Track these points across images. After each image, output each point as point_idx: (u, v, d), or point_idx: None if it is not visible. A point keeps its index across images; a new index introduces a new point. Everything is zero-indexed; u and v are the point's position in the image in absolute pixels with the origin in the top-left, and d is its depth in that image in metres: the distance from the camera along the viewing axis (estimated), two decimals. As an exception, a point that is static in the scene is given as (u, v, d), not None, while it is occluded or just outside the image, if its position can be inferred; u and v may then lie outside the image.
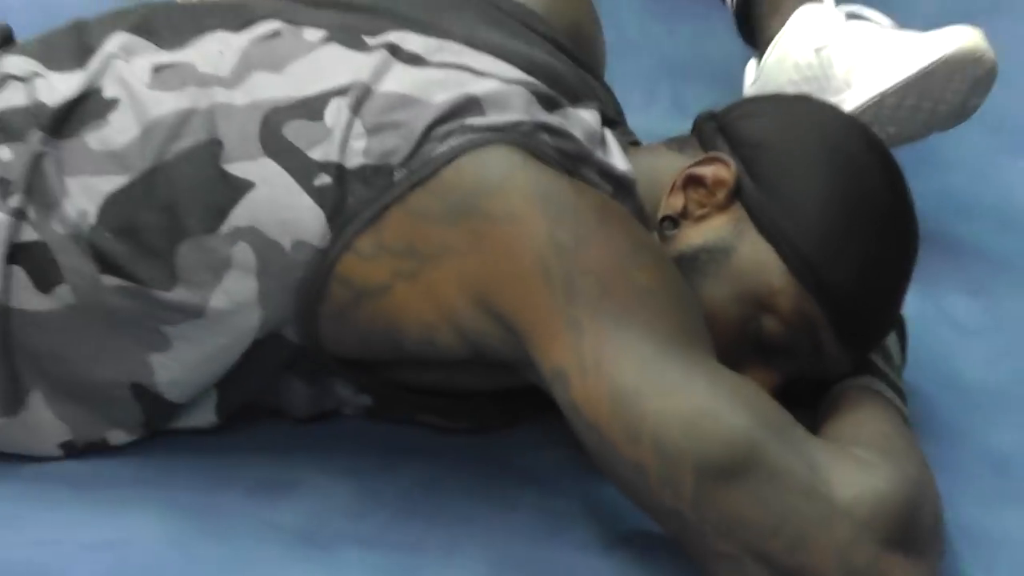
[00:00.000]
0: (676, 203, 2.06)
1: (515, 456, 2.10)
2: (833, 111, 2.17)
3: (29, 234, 1.99)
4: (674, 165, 2.10)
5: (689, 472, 1.80)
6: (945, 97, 2.44)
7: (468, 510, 2.04)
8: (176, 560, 1.93)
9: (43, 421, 2.04)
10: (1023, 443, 2.18)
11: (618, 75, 2.24)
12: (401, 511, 2.04)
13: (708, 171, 2.05)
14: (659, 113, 2.25)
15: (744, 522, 1.80)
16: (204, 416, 2.08)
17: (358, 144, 1.96)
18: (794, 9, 2.59)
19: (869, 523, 1.79)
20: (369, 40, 2.07)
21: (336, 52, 2.06)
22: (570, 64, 2.19)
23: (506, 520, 2.03)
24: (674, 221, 2.05)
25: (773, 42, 2.59)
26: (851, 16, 2.54)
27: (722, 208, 2.05)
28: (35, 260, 1.99)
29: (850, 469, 1.83)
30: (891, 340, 2.13)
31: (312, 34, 2.09)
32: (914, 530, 1.83)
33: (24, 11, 2.74)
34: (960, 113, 2.48)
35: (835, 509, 1.79)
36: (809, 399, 2.02)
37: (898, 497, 1.82)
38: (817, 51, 2.50)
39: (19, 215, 1.98)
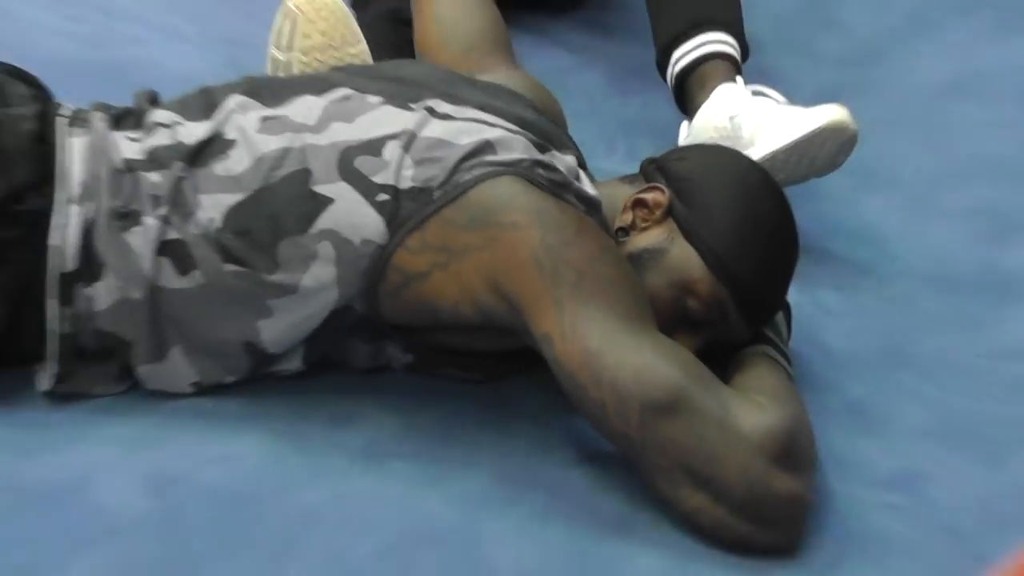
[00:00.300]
0: (627, 219, 2.16)
1: (513, 399, 2.18)
2: (740, 156, 2.29)
3: (172, 234, 2.04)
4: (626, 193, 2.19)
5: (636, 408, 1.89)
6: (820, 155, 2.50)
7: (480, 437, 2.12)
8: (272, 470, 2.00)
9: (180, 367, 2.10)
10: (872, 392, 2.25)
11: (587, 133, 2.31)
12: (432, 437, 2.11)
13: (650, 196, 2.15)
14: (617, 160, 2.33)
15: (674, 444, 1.88)
16: (294, 364, 2.14)
17: (408, 172, 2.03)
18: (716, 87, 2.62)
19: (761, 446, 1.87)
20: (412, 104, 2.14)
21: (390, 110, 2.12)
22: (550, 123, 2.26)
23: (507, 444, 2.11)
24: (626, 231, 2.15)
25: (700, 110, 2.62)
26: (756, 93, 2.57)
27: (659, 222, 2.14)
28: (176, 252, 2.04)
29: (749, 409, 1.91)
30: (780, 319, 2.22)
31: (373, 98, 2.16)
32: (794, 452, 1.91)
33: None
34: (831, 165, 2.54)
35: (738, 436, 1.87)
36: (722, 359, 2.07)
37: (782, 428, 1.91)
38: (731, 118, 2.53)
39: (166, 221, 2.04)
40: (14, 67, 2.20)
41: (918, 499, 2.02)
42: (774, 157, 2.42)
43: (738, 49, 2.71)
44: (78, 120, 2.12)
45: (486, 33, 2.48)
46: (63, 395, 2.08)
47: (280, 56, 2.64)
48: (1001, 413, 2.21)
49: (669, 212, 2.13)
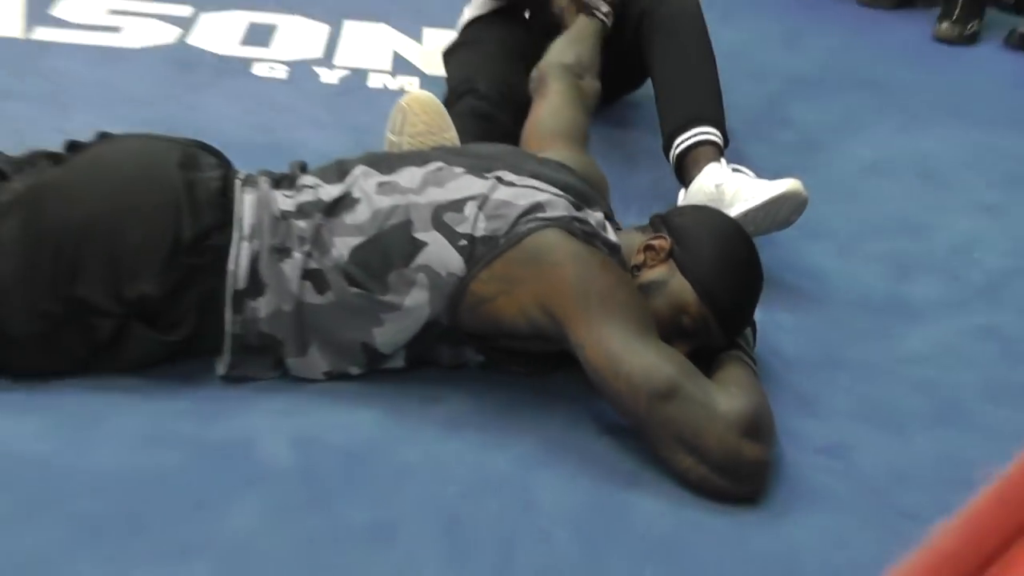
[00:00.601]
0: (640, 259, 2.19)
1: (554, 387, 2.20)
2: (722, 214, 2.35)
3: (313, 265, 2.11)
4: (639, 239, 2.22)
5: (643, 395, 1.95)
6: (780, 214, 2.53)
7: (530, 414, 2.16)
8: (381, 435, 2.07)
9: (316, 361, 2.16)
10: (813, 385, 2.29)
11: (614, 196, 2.33)
12: (496, 414, 2.15)
13: (656, 242, 2.19)
14: (632, 216, 2.37)
15: (671, 421, 1.95)
16: (398, 362, 2.19)
17: (481, 225, 2.09)
18: (706, 164, 2.66)
19: (735, 423, 1.94)
20: (486, 174, 2.19)
21: (470, 179, 2.17)
22: (587, 187, 2.29)
23: (549, 420, 2.15)
24: (638, 268, 2.18)
25: (694, 181, 2.66)
26: (735, 169, 2.61)
27: (663, 262, 2.17)
28: (316, 278, 2.11)
29: (725, 396, 1.98)
30: (748, 332, 2.24)
31: (458, 170, 2.20)
32: (758, 428, 1.97)
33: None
34: (787, 223, 2.56)
35: (717, 415, 1.94)
36: (706, 360, 2.09)
37: (750, 410, 1.97)
38: (716, 186, 2.57)
39: (308, 255, 2.11)
40: (206, 144, 2.28)
41: (846, 463, 2.07)
42: (746, 215, 2.45)
43: (721, 138, 2.74)
44: (249, 182, 2.20)
45: (565, 129, 2.52)
46: (234, 378, 2.16)
47: (393, 139, 2.70)
48: (907, 401, 2.28)
49: (670, 254, 2.15)
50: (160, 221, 2.06)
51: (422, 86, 3.30)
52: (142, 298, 2.05)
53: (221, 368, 2.16)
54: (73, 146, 2.27)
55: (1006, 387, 2.30)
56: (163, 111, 3.10)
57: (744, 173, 2.66)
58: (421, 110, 2.72)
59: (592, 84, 2.74)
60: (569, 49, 2.80)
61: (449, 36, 3.26)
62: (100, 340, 2.07)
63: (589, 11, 2.88)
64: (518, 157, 2.28)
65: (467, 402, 2.16)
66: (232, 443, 2.01)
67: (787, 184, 2.55)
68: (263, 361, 2.18)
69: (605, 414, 2.09)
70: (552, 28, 2.98)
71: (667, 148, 2.81)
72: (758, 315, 2.24)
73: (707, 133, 2.76)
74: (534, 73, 2.78)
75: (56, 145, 2.29)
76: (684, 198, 2.72)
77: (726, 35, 2.97)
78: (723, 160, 2.72)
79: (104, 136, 2.29)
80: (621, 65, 3.05)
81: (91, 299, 2.03)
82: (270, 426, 2.04)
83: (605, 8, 2.91)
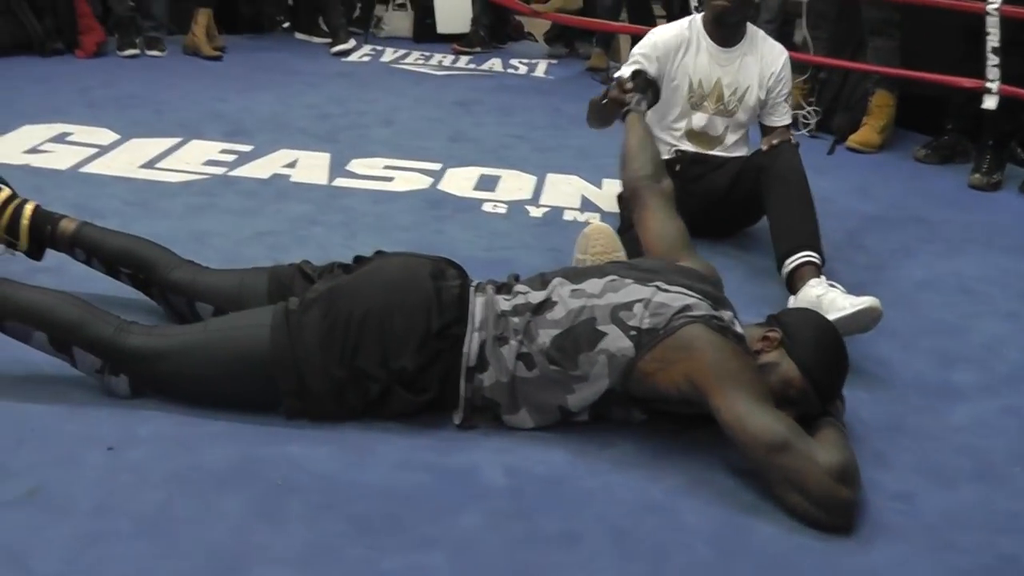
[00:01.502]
0: (759, 346, 2.11)
1: (697, 438, 2.11)
2: (819, 315, 2.30)
3: (524, 350, 2.11)
4: (759, 333, 2.14)
5: (763, 446, 1.91)
6: (863, 323, 2.48)
7: (676, 457, 2.08)
8: (568, 468, 2.03)
9: (525, 418, 2.13)
10: (888, 448, 2.19)
11: (739, 302, 2.28)
12: (654, 454, 2.09)
13: (770, 334, 2.13)
14: (751, 315, 2.26)
15: (783, 468, 1.90)
16: (583, 417, 2.13)
17: (646, 320, 2.07)
18: (809, 279, 2.64)
19: (831, 471, 1.87)
20: (649, 283, 2.14)
21: (638, 287, 2.14)
22: (717, 291, 2.22)
23: (690, 457, 2.08)
24: (758, 353, 2.09)
25: (800, 291, 2.64)
26: (832, 285, 2.59)
27: (776, 348, 2.09)
28: (526, 359, 2.10)
29: (824, 450, 1.91)
30: (839, 403, 2.14)
31: (628, 280, 2.16)
32: (850, 476, 1.91)
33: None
34: (867, 329, 2.50)
35: (818, 465, 1.88)
36: (808, 423, 2.00)
37: (843, 462, 1.91)
38: (818, 296, 2.56)
39: (521, 343, 2.11)
40: (450, 260, 2.32)
41: (910, 507, 2.00)
42: (839, 321, 2.37)
43: (820, 260, 2.72)
44: (479, 288, 2.23)
45: (678, 238, 2.43)
46: (465, 427, 2.15)
47: (579, 256, 2.76)
48: (954, 461, 2.19)
49: (781, 343, 2.08)
50: (417, 316, 2.11)
51: (602, 219, 3.28)
52: (402, 370, 2.10)
53: (456, 420, 2.14)
54: (358, 259, 2.35)
55: None
56: (420, 236, 3.17)
57: (838, 288, 2.62)
58: (599, 236, 2.77)
59: (669, 184, 2.54)
60: (641, 158, 2.57)
61: (618, 185, 3.21)
62: (371, 398, 2.12)
63: (626, 109, 2.71)
64: (669, 271, 2.22)
65: (632, 447, 2.11)
66: (462, 470, 2.00)
67: (870, 301, 2.50)
68: (484, 416, 2.18)
69: (734, 458, 2.02)
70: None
71: (780, 266, 2.78)
72: (845, 391, 2.17)
73: (810, 256, 2.72)
74: (624, 182, 2.66)
75: (347, 258, 2.38)
76: (792, 303, 2.66)
77: (819, 185, 2.95)
78: (822, 276, 2.69)
79: (379, 253, 2.37)
80: (744, 206, 3.06)
81: (366, 369, 2.09)
82: (490, 459, 2.04)
83: (628, 96, 2.72)
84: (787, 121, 3.16)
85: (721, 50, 3.07)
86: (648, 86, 2.78)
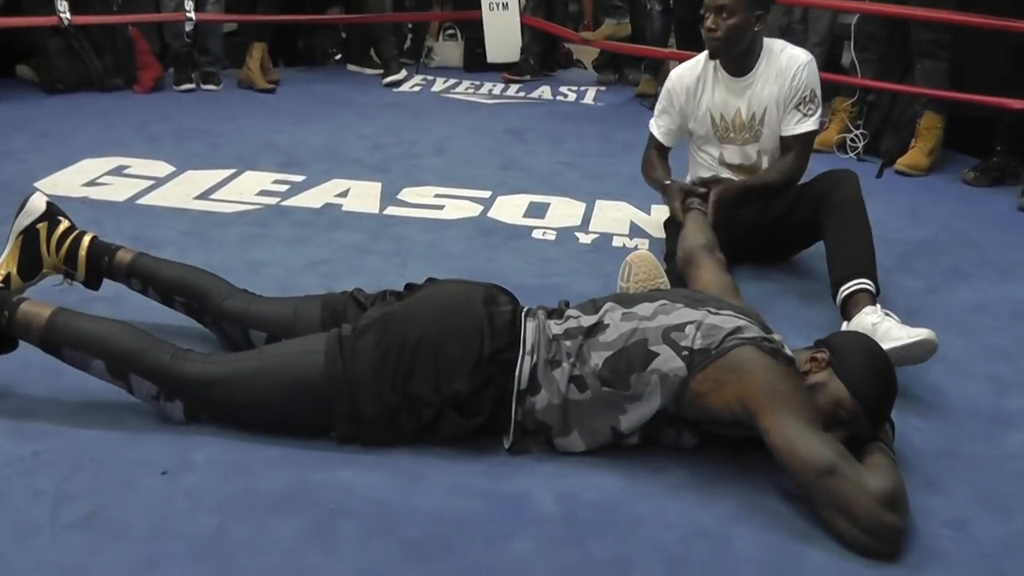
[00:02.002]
0: (808, 367, 2.08)
1: (748, 463, 2.10)
2: (867, 337, 2.26)
3: (576, 372, 2.11)
4: (807, 355, 2.11)
5: (811, 471, 1.89)
6: (917, 355, 2.46)
7: (728, 482, 2.07)
8: (619, 493, 2.02)
9: (576, 440, 2.13)
10: (940, 475, 2.17)
11: (788, 329, 2.26)
12: (705, 478, 2.08)
13: (819, 355, 2.11)
14: (801, 341, 2.24)
15: (830, 492, 1.87)
16: (634, 440, 2.12)
17: (698, 341, 2.07)
18: (863, 307, 2.61)
19: (879, 497, 1.86)
20: (699, 308, 2.15)
21: (689, 310, 2.14)
22: (763, 322, 2.23)
23: (743, 487, 2.06)
24: (807, 374, 2.07)
25: (854, 318, 2.61)
26: (886, 315, 2.56)
27: (824, 369, 2.06)
28: (578, 381, 2.10)
29: (872, 475, 1.90)
30: (888, 429, 2.10)
31: (678, 304, 2.17)
32: (896, 501, 1.89)
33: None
34: (921, 360, 2.48)
35: (866, 490, 1.86)
36: (858, 448, 1.98)
37: (890, 488, 1.89)
38: (873, 324, 2.53)
39: (573, 366, 2.10)
40: (501, 286, 2.32)
41: (964, 534, 1.96)
42: (893, 351, 2.35)
43: (874, 288, 2.69)
44: (530, 314, 2.24)
45: (726, 287, 2.43)
46: (516, 451, 2.16)
47: (623, 285, 2.76)
48: (1009, 488, 2.15)
49: (828, 363, 2.06)
50: (469, 341, 2.11)
51: (651, 245, 3.29)
52: (455, 394, 2.10)
53: (507, 443, 2.16)
54: (409, 287, 2.37)
55: None
56: (471, 263, 3.18)
57: (893, 318, 2.59)
58: (643, 264, 2.76)
59: (721, 256, 2.65)
60: (700, 235, 2.73)
61: (666, 210, 3.24)
62: (424, 422, 2.12)
63: (691, 208, 2.91)
64: (718, 300, 2.24)
65: (684, 472, 2.10)
66: (514, 496, 2.00)
67: (926, 333, 2.47)
68: (537, 439, 2.17)
69: (786, 484, 2.02)
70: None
71: (834, 293, 2.75)
72: (895, 417, 2.14)
73: (865, 284, 2.70)
74: (680, 254, 2.73)
75: (398, 286, 2.40)
76: (845, 328, 2.63)
77: (868, 208, 2.90)
78: (877, 304, 2.66)
79: (431, 280, 2.38)
80: (800, 232, 3.03)
81: (419, 393, 2.10)
82: (541, 485, 2.04)
83: (698, 204, 2.92)
84: (800, 130, 3.01)
85: (736, 80, 3.02)
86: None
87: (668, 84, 3.15)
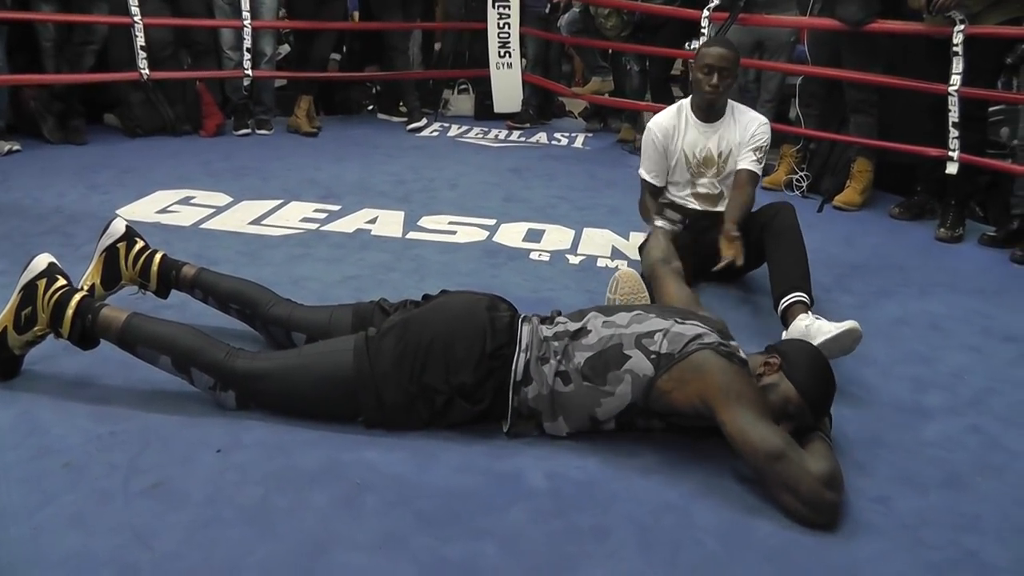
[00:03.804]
0: (761, 370, 2.07)
1: (708, 447, 2.07)
2: (812, 345, 2.21)
3: (562, 368, 2.09)
4: (761, 359, 2.10)
5: (761, 456, 1.87)
6: (845, 344, 2.46)
7: (691, 464, 2.05)
8: (599, 473, 2.00)
9: (561, 425, 2.11)
10: (868, 459, 2.15)
11: (742, 336, 2.23)
12: (670, 458, 2.06)
13: (772, 360, 2.09)
14: (755, 346, 2.20)
15: (778, 473, 1.86)
16: (610, 426, 2.11)
17: (665, 346, 2.05)
18: (799, 314, 2.60)
19: (820, 477, 1.85)
20: (668, 318, 2.11)
21: (659, 320, 2.11)
22: (724, 328, 2.21)
23: (699, 462, 2.05)
24: (760, 376, 2.05)
25: (792, 325, 2.60)
26: (817, 317, 2.54)
27: (775, 372, 2.05)
28: (563, 376, 2.08)
29: (814, 460, 1.88)
30: (827, 421, 2.08)
31: (651, 315, 2.14)
32: (835, 482, 1.87)
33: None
34: (850, 350, 2.47)
35: (809, 472, 1.85)
36: (801, 436, 1.96)
37: (830, 470, 1.88)
38: (806, 326, 2.54)
39: (559, 363, 2.08)
40: (502, 297, 2.28)
41: (888, 508, 1.95)
42: (824, 344, 2.38)
43: (809, 300, 2.68)
44: (526, 320, 2.22)
45: (690, 300, 2.41)
46: (512, 435, 2.14)
47: (610, 296, 2.74)
48: (925, 470, 2.13)
49: (780, 367, 2.03)
50: (475, 340, 2.10)
51: (630, 265, 3.28)
52: (462, 384, 2.09)
53: (505, 428, 2.14)
54: (426, 297, 2.35)
55: (987, 466, 2.16)
56: (478, 280, 3.15)
57: (823, 319, 2.58)
58: (627, 280, 2.74)
59: (678, 264, 2.69)
60: (658, 250, 2.76)
61: (643, 236, 3.22)
62: (436, 408, 2.11)
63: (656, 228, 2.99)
64: (685, 312, 2.21)
65: (654, 456, 2.08)
66: (510, 473, 2.00)
67: (849, 324, 2.49)
68: (529, 424, 2.16)
69: (740, 467, 2.00)
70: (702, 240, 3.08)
71: (776, 305, 2.74)
72: (832, 410, 2.12)
73: (801, 296, 2.69)
74: (644, 270, 2.76)
75: (417, 296, 2.38)
76: (785, 335, 2.63)
77: (810, 237, 2.90)
78: (810, 312, 2.65)
79: (443, 292, 2.36)
80: (750, 255, 2.96)
81: (432, 383, 2.09)
82: (533, 465, 2.02)
83: (672, 224, 3.03)
84: (749, 167, 3.07)
85: (707, 125, 3.11)
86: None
87: (648, 132, 3.18)
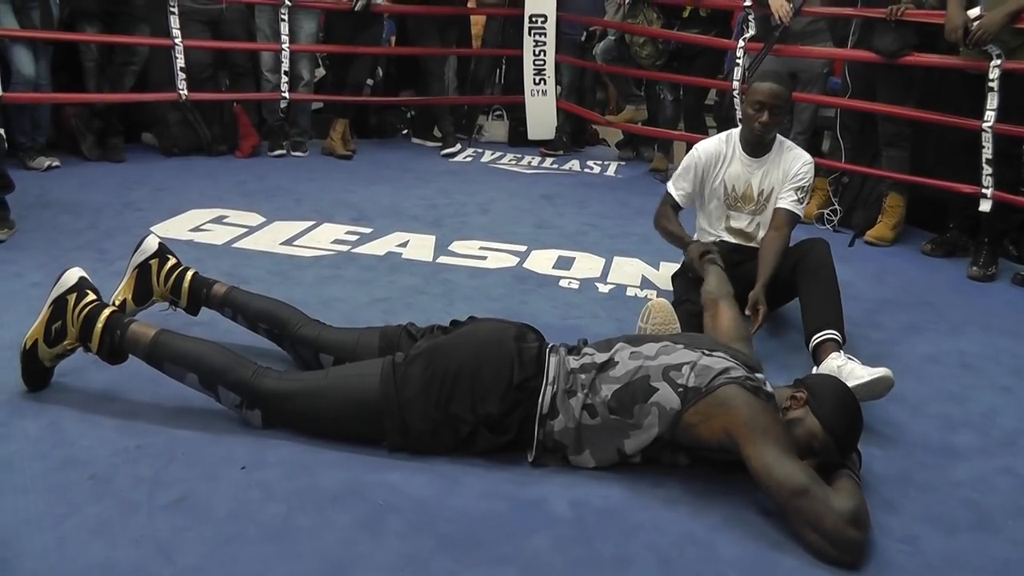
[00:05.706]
0: (787, 404, 2.06)
1: (733, 481, 2.05)
2: (840, 380, 2.21)
3: (588, 401, 2.08)
4: (787, 393, 2.10)
5: (786, 492, 1.85)
6: (876, 391, 2.43)
7: (715, 497, 2.03)
8: (623, 502, 1.99)
9: (588, 458, 2.10)
10: (896, 497, 2.13)
11: (771, 367, 2.22)
12: (696, 491, 2.04)
13: (799, 395, 2.08)
14: (782, 380, 2.20)
15: (803, 510, 1.84)
16: (636, 459, 2.09)
17: (692, 380, 2.04)
18: (831, 352, 2.58)
19: (845, 515, 1.82)
20: (696, 350, 2.11)
21: (687, 352, 2.11)
22: (752, 360, 2.20)
23: (728, 501, 2.02)
24: (786, 410, 2.05)
25: (823, 363, 2.58)
26: (849, 358, 2.53)
27: (802, 407, 2.03)
28: (590, 409, 2.07)
29: (839, 497, 1.86)
30: (855, 458, 2.06)
31: (679, 347, 2.14)
32: (860, 520, 1.85)
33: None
34: (880, 395, 2.44)
35: (833, 509, 1.82)
36: (827, 473, 1.94)
37: (855, 508, 1.85)
38: (839, 367, 2.50)
39: (586, 396, 2.08)
40: (530, 325, 2.28)
41: (915, 549, 1.93)
42: (856, 388, 2.33)
43: (841, 338, 2.66)
44: (554, 350, 2.21)
45: (740, 331, 2.41)
46: (537, 464, 2.13)
47: (641, 325, 2.71)
48: (955, 511, 2.11)
49: (806, 402, 2.02)
50: (501, 370, 2.10)
51: (659, 295, 3.23)
52: (488, 415, 2.09)
53: (529, 458, 2.14)
54: (454, 323, 2.36)
55: (1019, 509, 2.13)
56: (507, 306, 3.16)
57: (855, 361, 2.56)
58: (659, 310, 2.72)
59: (735, 304, 2.62)
60: (721, 284, 2.69)
61: (675, 267, 3.25)
62: (461, 437, 2.11)
63: (711, 262, 2.84)
64: (714, 343, 2.20)
65: (679, 488, 2.07)
66: (534, 501, 2.00)
67: (882, 372, 2.46)
68: (553, 456, 2.14)
69: (764, 501, 1.98)
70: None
71: (807, 341, 2.72)
72: (860, 448, 2.13)
73: (833, 334, 2.67)
74: (704, 298, 2.68)
75: (445, 322, 2.39)
76: (816, 371, 2.63)
77: (841, 272, 2.87)
78: (842, 351, 2.63)
79: (472, 318, 2.37)
80: (782, 290, 2.94)
81: (458, 413, 2.09)
82: (557, 492, 2.02)
83: (714, 257, 2.86)
84: (789, 207, 3.00)
85: (752, 160, 3.04)
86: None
87: (693, 152, 3.12)
